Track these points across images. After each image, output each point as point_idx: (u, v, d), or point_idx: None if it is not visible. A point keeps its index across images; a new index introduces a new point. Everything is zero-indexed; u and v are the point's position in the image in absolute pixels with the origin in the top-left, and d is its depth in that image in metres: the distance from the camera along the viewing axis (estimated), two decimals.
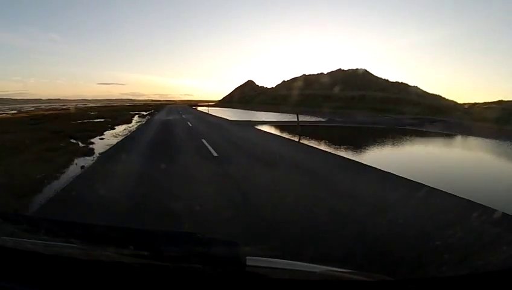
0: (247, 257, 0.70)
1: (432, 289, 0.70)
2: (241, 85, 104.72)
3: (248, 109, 45.98)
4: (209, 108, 47.15)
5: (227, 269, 0.69)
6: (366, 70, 64.44)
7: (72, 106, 67.58)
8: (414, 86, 52.22)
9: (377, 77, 61.84)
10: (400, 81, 58.53)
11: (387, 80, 59.31)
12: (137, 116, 27.15)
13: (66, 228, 0.90)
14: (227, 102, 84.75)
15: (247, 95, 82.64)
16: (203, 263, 0.69)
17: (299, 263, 0.79)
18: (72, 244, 0.78)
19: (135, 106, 75.13)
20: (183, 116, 25.16)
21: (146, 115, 29.65)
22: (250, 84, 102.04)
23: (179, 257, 0.72)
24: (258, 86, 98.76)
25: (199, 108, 54.46)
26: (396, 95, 44.70)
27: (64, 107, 58.37)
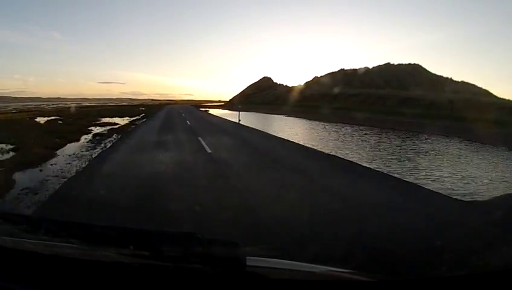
0: (247, 257, 0.70)
1: (431, 289, 0.70)
2: (255, 83, 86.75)
3: (293, 116, 29.46)
4: (222, 111, 35.11)
5: (227, 269, 0.69)
6: (419, 66, 49.03)
7: (70, 104, 59.74)
8: (481, 88, 38.34)
9: (437, 74, 45.84)
10: (466, 81, 43.79)
11: (451, 79, 43.84)
12: (94, 132, 13.02)
13: (66, 228, 0.90)
14: (241, 103, 59.90)
15: (267, 94, 66.69)
16: (203, 263, 0.69)
17: (299, 263, 0.79)
18: (72, 245, 0.78)
19: (130, 105, 61.78)
20: (204, 142, 8.99)
21: (118, 128, 14.95)
22: (266, 81, 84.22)
23: (179, 257, 0.72)
24: (276, 83, 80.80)
25: (211, 111, 38.66)
26: (472, 97, 31.34)
27: (47, 107, 48.85)
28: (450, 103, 28.35)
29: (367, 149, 11.26)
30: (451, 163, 8.98)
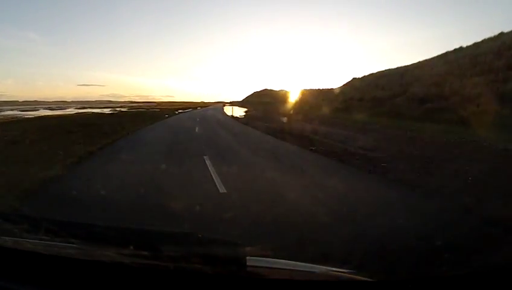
0: (247, 257, 0.70)
1: (432, 289, 0.71)
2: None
3: None
4: None
5: (227, 269, 0.69)
6: None
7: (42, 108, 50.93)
8: None
9: None
10: None
11: None
12: None
13: (66, 228, 0.90)
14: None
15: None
16: (203, 263, 0.69)
17: (299, 263, 0.79)
18: (72, 244, 0.78)
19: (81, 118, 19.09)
20: None
21: None
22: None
23: (179, 257, 0.72)
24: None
25: None
26: None
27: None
28: None
29: None
30: None
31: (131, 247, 0.75)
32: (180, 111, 36.92)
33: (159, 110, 40.90)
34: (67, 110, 45.68)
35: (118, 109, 47.70)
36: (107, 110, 40.07)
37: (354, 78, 32.14)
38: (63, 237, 0.82)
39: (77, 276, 0.72)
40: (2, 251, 0.77)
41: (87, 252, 0.76)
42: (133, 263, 0.71)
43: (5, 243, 0.79)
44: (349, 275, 0.76)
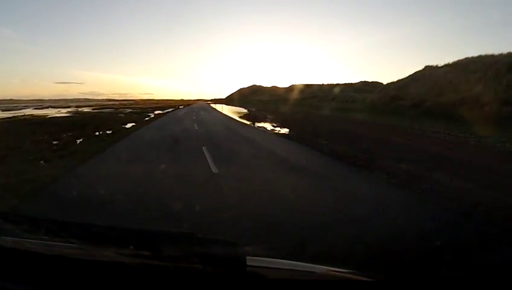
0: (247, 257, 0.70)
1: (431, 289, 0.70)
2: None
3: None
4: None
5: (227, 269, 0.69)
6: None
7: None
8: None
9: None
10: None
11: None
12: None
13: (66, 228, 0.90)
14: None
15: None
16: (203, 263, 0.69)
17: (299, 263, 0.79)
18: (72, 244, 0.78)
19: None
20: None
21: None
22: None
23: (179, 257, 0.72)
24: None
25: None
26: None
27: None
28: None
29: None
30: None
31: (131, 247, 0.75)
32: (158, 112, 28.31)
33: (129, 111, 31.01)
34: (24, 110, 36.61)
35: (80, 109, 37.92)
36: (64, 111, 32.32)
37: (427, 66, 20.90)
38: (63, 237, 0.82)
39: (77, 276, 0.72)
40: (2, 251, 0.77)
41: (87, 252, 0.76)
42: (133, 263, 0.71)
43: (5, 243, 0.79)
44: (349, 275, 0.76)
